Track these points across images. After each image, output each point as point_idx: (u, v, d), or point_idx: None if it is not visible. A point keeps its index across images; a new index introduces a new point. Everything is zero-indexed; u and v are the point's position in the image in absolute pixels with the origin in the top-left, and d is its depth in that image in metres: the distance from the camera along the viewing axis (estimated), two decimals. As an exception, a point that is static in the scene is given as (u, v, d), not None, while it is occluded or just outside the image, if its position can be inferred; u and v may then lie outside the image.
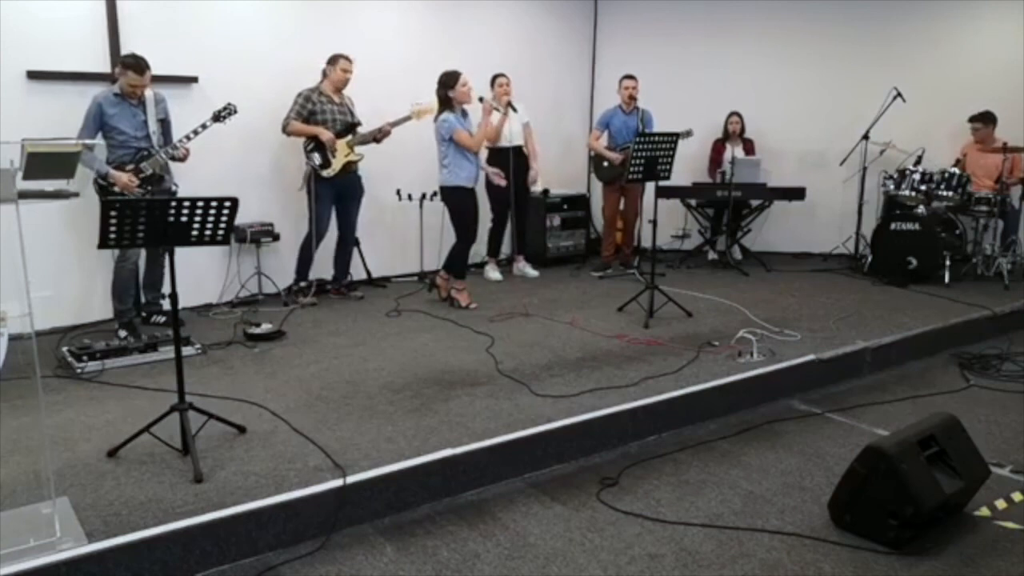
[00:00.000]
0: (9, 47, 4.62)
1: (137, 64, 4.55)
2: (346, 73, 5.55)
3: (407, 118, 5.58)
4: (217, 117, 4.89)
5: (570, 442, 3.42)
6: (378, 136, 5.62)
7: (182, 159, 4.86)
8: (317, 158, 5.50)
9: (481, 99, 5.49)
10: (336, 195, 5.67)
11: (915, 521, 2.68)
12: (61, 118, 4.62)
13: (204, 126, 4.84)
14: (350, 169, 5.63)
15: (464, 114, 5.41)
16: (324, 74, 5.58)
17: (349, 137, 5.57)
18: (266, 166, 5.76)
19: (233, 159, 5.57)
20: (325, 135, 5.45)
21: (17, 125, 4.43)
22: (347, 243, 5.90)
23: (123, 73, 4.58)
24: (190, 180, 5.04)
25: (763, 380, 4.14)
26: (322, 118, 5.49)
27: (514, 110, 6.07)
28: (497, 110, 5.65)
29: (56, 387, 3.91)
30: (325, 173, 5.51)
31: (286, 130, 5.48)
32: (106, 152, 4.66)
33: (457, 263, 5.55)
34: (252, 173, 5.70)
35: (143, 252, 4.95)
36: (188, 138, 4.80)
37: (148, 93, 4.72)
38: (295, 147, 5.64)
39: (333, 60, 5.54)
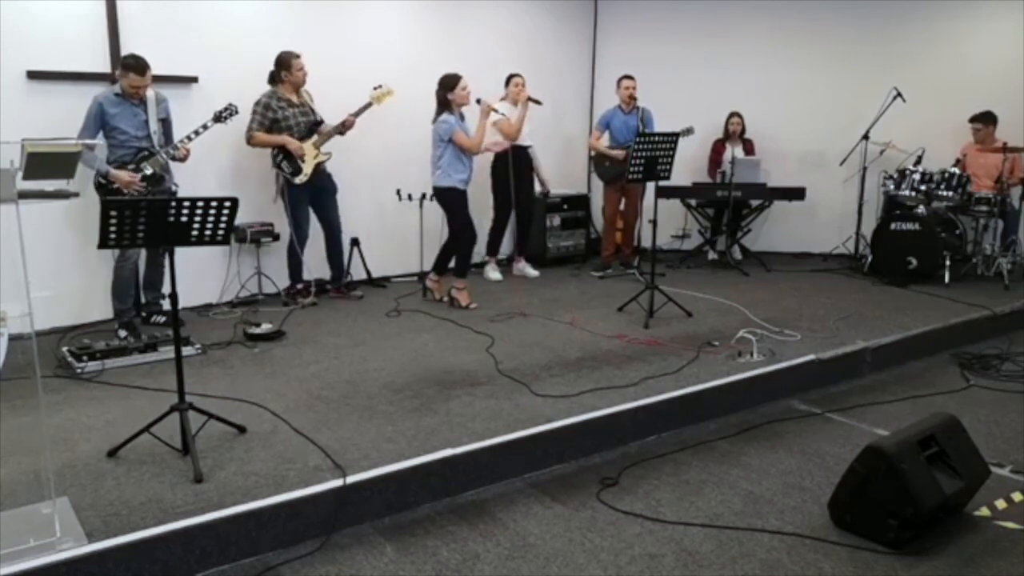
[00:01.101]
0: (9, 47, 4.62)
1: (138, 65, 4.56)
2: (302, 71, 5.43)
3: (368, 105, 5.53)
4: (218, 117, 4.89)
5: (570, 442, 3.42)
6: (342, 129, 5.54)
7: (182, 159, 4.86)
8: (288, 167, 5.43)
9: (479, 101, 5.49)
10: (311, 196, 5.62)
11: (915, 521, 2.68)
12: (61, 118, 4.62)
13: (205, 126, 4.84)
14: (319, 169, 5.57)
15: (461, 117, 5.42)
16: (274, 78, 5.41)
17: (314, 138, 5.49)
18: (267, 166, 5.74)
19: (234, 159, 5.58)
20: (292, 144, 5.37)
21: (17, 125, 4.44)
22: (335, 241, 5.83)
23: (124, 74, 4.59)
24: (191, 180, 5.05)
25: (763, 380, 4.14)
26: (285, 124, 5.39)
27: (538, 103, 6.06)
28: (494, 111, 5.64)
29: (56, 387, 3.91)
30: (298, 180, 5.45)
31: (250, 142, 5.37)
32: (107, 152, 4.66)
33: (459, 263, 5.57)
34: (252, 173, 5.69)
35: (143, 252, 4.96)
36: (189, 138, 4.81)
37: (149, 93, 4.72)
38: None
39: (286, 63, 5.35)
